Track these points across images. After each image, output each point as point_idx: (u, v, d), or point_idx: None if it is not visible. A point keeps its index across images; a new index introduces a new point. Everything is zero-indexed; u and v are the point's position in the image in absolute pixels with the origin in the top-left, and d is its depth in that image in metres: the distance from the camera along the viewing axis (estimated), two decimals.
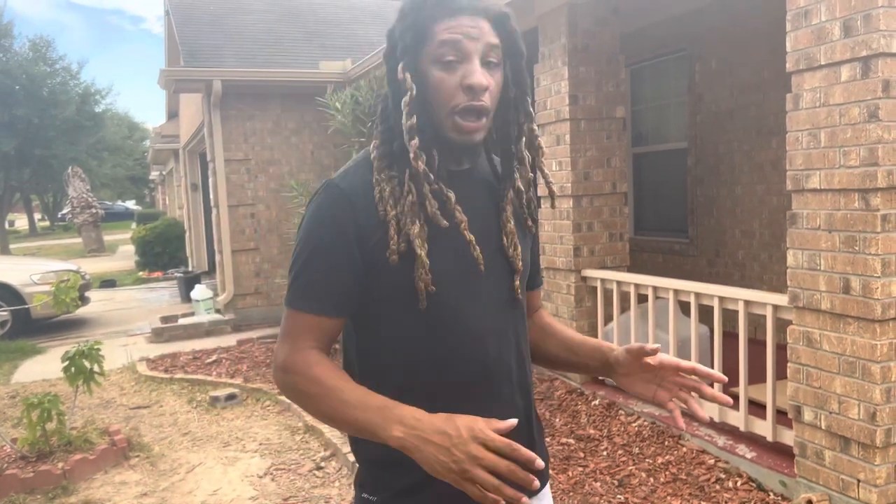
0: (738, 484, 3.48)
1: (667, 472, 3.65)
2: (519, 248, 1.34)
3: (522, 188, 1.34)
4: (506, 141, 1.33)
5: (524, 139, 1.33)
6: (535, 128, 1.34)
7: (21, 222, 42.72)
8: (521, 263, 1.34)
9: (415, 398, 1.20)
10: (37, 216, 42.31)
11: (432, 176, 1.23)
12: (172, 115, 16.27)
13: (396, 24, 1.27)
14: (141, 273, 15.09)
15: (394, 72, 1.25)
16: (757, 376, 3.79)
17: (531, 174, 1.34)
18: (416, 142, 1.22)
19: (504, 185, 1.34)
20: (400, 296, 1.25)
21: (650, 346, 1.30)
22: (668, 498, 3.41)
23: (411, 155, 1.22)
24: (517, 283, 1.34)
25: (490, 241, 1.31)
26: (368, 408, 1.16)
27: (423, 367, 1.27)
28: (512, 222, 1.33)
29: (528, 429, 1.37)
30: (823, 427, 3.11)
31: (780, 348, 3.47)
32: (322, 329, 1.25)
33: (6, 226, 24.76)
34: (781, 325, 3.45)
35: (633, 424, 4.24)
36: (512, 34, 1.28)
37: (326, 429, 4.55)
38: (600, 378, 4.84)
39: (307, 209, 1.30)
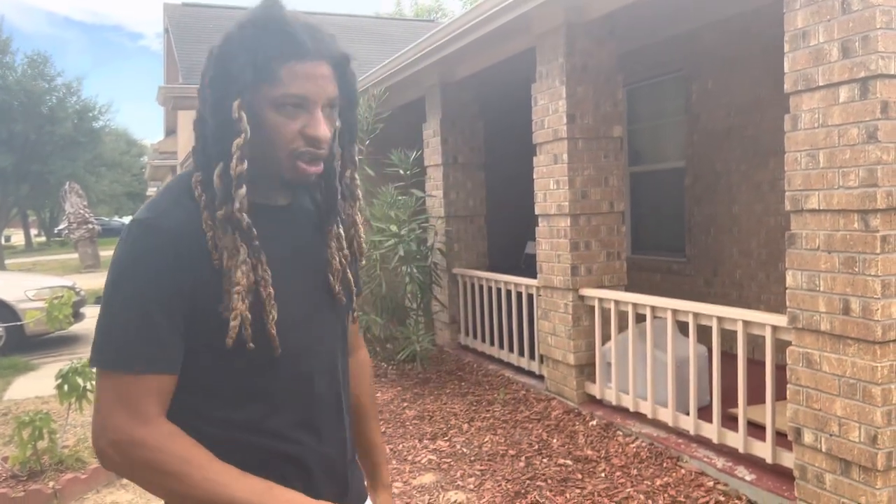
0: None
1: (665, 495, 3.61)
2: (351, 282, 1.34)
3: (345, 226, 1.33)
4: (329, 178, 1.29)
5: (346, 180, 1.31)
6: (357, 176, 1.32)
7: (18, 238, 42.66)
8: (350, 299, 1.35)
9: (240, 435, 1.18)
10: (33, 232, 42.26)
11: (253, 231, 1.16)
12: (170, 131, 16.33)
13: (234, 49, 1.15)
14: None
15: (219, 100, 1.15)
16: (756, 397, 3.76)
17: (356, 213, 1.34)
18: (242, 191, 1.14)
19: (328, 221, 1.31)
20: (223, 337, 1.15)
21: None
22: None
23: (236, 205, 1.14)
24: (348, 320, 1.36)
25: (319, 277, 1.30)
26: (254, 490, 1.10)
27: (248, 407, 1.20)
28: (338, 259, 1.31)
29: (353, 460, 1.41)
30: (824, 450, 3.07)
31: (780, 369, 3.44)
32: (164, 391, 1.12)
33: (3, 241, 24.70)
34: (781, 346, 3.43)
35: (632, 445, 4.20)
36: (350, 79, 1.25)
37: None
38: (598, 398, 4.81)
39: (119, 249, 1.15)
